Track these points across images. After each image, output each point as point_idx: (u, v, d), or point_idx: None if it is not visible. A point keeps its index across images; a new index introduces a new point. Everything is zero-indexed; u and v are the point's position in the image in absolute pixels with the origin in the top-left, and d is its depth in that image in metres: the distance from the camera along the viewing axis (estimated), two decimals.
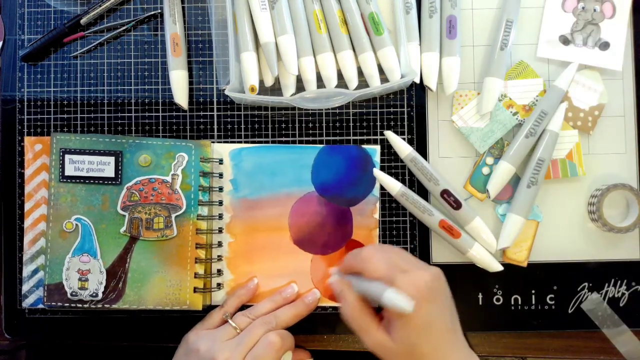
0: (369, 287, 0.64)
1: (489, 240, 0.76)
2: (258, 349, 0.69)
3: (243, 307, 0.77)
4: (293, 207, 0.79)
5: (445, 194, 0.76)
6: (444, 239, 0.77)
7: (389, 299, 0.60)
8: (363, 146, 0.79)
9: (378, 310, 0.67)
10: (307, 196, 0.79)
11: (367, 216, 0.79)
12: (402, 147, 0.77)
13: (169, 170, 0.76)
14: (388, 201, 0.79)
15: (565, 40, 0.79)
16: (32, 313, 0.79)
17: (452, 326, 0.65)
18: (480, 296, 0.79)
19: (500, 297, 0.78)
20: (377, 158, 0.79)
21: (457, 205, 0.76)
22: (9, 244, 0.79)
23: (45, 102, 0.79)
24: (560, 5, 0.79)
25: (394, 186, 0.77)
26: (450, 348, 0.64)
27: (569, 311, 0.79)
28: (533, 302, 0.78)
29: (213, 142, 0.79)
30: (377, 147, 0.79)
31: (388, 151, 0.79)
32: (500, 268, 0.77)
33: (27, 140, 0.78)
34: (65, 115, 0.79)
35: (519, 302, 0.78)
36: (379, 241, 0.79)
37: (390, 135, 0.78)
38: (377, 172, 0.77)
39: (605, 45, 0.79)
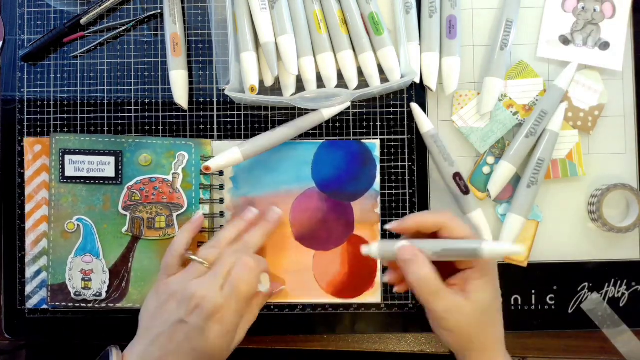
0: (460, 244, 0.65)
1: (484, 234, 0.78)
2: (234, 273, 0.69)
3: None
4: (294, 203, 0.80)
5: (458, 176, 0.78)
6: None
7: (494, 249, 0.62)
8: (362, 141, 0.80)
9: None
10: (307, 192, 0.80)
11: (368, 211, 0.80)
12: (425, 122, 0.79)
13: (169, 170, 0.78)
14: (388, 201, 0.80)
15: (565, 40, 0.80)
16: (32, 313, 0.80)
17: None
18: None
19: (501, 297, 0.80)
20: (376, 152, 0.80)
21: (466, 190, 0.77)
22: (9, 244, 0.80)
23: (45, 102, 0.81)
24: (560, 5, 0.81)
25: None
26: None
27: (569, 311, 0.80)
28: (533, 302, 0.80)
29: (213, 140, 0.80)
30: (377, 142, 0.80)
31: (389, 151, 0.80)
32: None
33: (27, 141, 0.80)
34: (65, 116, 0.81)
35: (519, 302, 0.80)
36: (380, 239, 0.80)
37: (415, 108, 0.80)
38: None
39: (605, 45, 0.80)
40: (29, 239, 0.79)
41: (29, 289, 0.79)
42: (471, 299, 0.64)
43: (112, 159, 0.78)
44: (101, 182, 0.78)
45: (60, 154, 0.78)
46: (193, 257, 0.72)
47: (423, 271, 0.65)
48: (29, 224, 0.79)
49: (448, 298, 0.65)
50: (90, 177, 0.78)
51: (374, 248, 0.69)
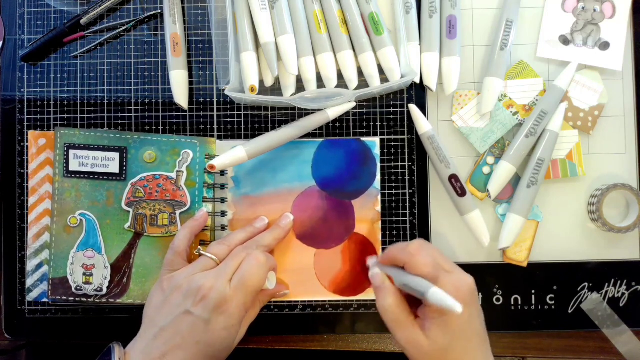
0: (414, 281, 0.66)
1: (482, 235, 0.80)
2: (244, 267, 0.72)
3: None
4: (295, 202, 0.82)
5: (453, 179, 0.80)
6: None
7: (435, 297, 0.62)
8: (362, 139, 0.82)
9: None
10: (308, 191, 0.82)
11: (369, 209, 0.82)
12: (423, 123, 0.81)
13: (173, 167, 0.80)
14: (388, 201, 0.83)
15: (565, 40, 0.83)
16: (32, 313, 0.82)
17: (484, 334, 0.68)
18: (480, 296, 0.82)
19: (500, 297, 0.82)
20: (376, 150, 0.82)
21: (462, 192, 0.80)
22: (9, 244, 0.82)
23: (45, 102, 0.83)
24: (560, 5, 0.83)
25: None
26: (479, 355, 0.67)
27: (569, 311, 0.82)
28: (533, 302, 0.82)
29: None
30: (377, 139, 0.82)
31: (389, 151, 0.83)
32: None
33: (31, 134, 0.82)
34: (66, 115, 0.83)
35: (519, 302, 0.82)
36: (381, 236, 0.82)
37: (413, 109, 0.82)
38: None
39: (605, 45, 0.82)
40: (31, 232, 0.81)
41: (29, 282, 0.81)
42: (429, 337, 0.65)
43: (116, 155, 0.80)
44: (105, 177, 0.80)
45: (65, 149, 0.80)
46: (204, 252, 0.75)
47: (387, 301, 0.68)
48: (31, 217, 0.81)
49: (408, 331, 0.66)
50: (95, 173, 0.80)
51: (374, 267, 0.73)
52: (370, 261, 0.77)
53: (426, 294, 0.62)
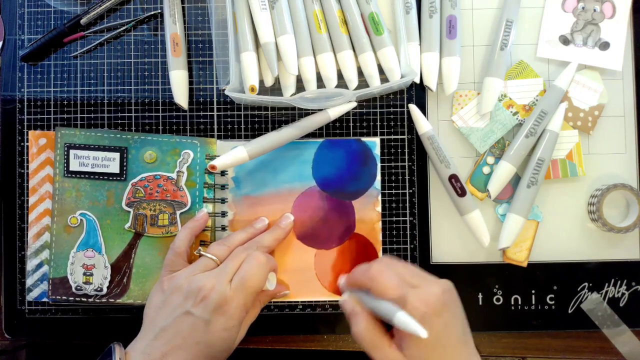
0: (380, 307, 0.66)
1: (482, 235, 0.80)
2: (244, 267, 0.72)
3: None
4: (295, 202, 0.82)
5: (453, 178, 0.80)
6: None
7: (401, 322, 0.62)
8: (362, 139, 0.83)
9: (389, 328, 0.69)
10: (308, 191, 0.82)
11: (369, 209, 0.83)
12: (423, 123, 0.81)
13: (174, 167, 0.81)
14: (388, 201, 0.83)
15: (565, 40, 0.83)
16: (32, 313, 0.83)
17: (463, 337, 0.67)
18: (480, 296, 0.82)
19: (500, 297, 0.82)
20: (377, 151, 0.83)
21: (462, 192, 0.80)
22: (9, 243, 0.83)
23: (45, 102, 0.83)
24: (560, 5, 0.83)
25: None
26: (459, 358, 0.66)
27: (569, 311, 0.82)
28: (533, 302, 0.82)
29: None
30: (377, 140, 0.83)
31: (389, 151, 0.83)
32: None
33: (32, 134, 0.82)
34: (66, 115, 0.83)
35: (519, 302, 0.82)
36: (381, 237, 0.83)
37: (413, 109, 0.82)
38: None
39: (605, 45, 0.83)
40: (32, 232, 0.82)
41: (29, 281, 0.82)
42: (406, 355, 0.65)
43: (117, 155, 0.80)
44: (105, 177, 0.80)
45: (65, 149, 0.80)
46: (204, 253, 0.76)
47: (359, 327, 0.68)
48: (31, 216, 0.82)
49: (385, 352, 0.66)
50: (95, 173, 0.80)
51: (343, 291, 0.76)
52: (340, 281, 0.79)
53: (392, 320, 0.63)
